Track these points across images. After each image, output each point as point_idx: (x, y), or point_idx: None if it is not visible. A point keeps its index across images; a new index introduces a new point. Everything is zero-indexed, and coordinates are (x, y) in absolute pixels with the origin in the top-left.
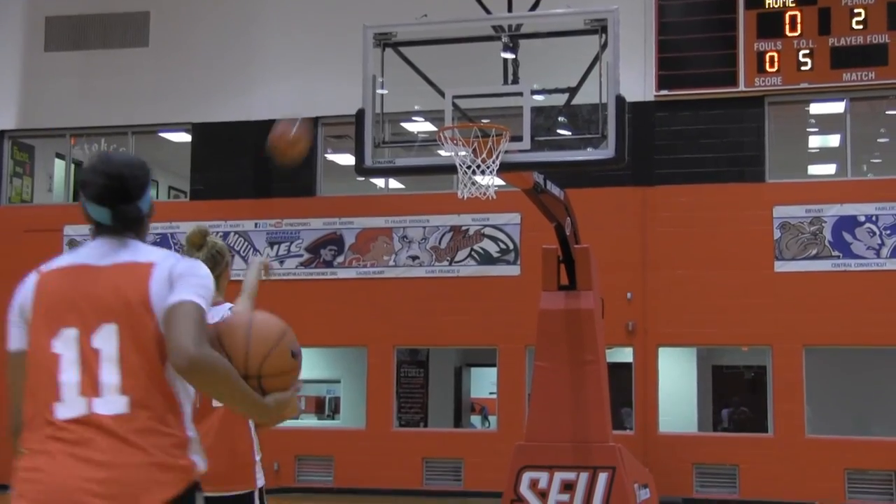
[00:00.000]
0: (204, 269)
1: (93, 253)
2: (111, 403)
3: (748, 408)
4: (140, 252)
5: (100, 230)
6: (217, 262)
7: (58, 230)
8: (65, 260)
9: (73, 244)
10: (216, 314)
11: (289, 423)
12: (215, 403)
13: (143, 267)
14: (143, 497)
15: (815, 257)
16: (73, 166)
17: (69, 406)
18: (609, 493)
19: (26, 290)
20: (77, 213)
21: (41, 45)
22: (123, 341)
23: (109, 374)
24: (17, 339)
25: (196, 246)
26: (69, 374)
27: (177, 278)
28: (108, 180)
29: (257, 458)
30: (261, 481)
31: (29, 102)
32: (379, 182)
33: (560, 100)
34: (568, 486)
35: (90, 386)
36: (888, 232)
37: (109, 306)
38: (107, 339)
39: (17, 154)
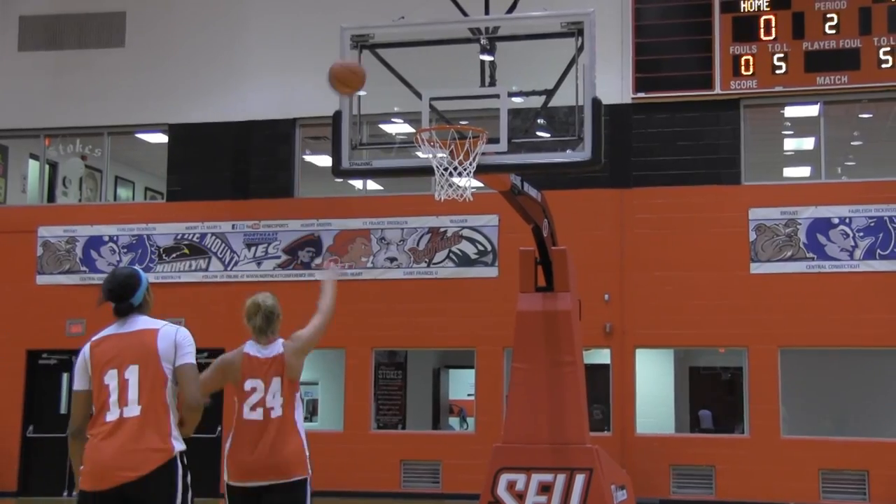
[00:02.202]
0: (190, 338)
1: (117, 327)
2: (132, 410)
3: (725, 409)
4: (146, 323)
5: (116, 313)
6: (271, 321)
7: (31, 231)
8: (102, 333)
9: (47, 246)
10: (273, 350)
11: None
12: (273, 414)
13: (151, 332)
14: (143, 465)
15: (790, 259)
16: (47, 167)
17: (112, 413)
18: (586, 494)
19: (84, 354)
20: (50, 215)
21: (15, 45)
22: (141, 375)
23: (133, 393)
24: (79, 383)
25: (249, 315)
26: (113, 396)
27: (179, 345)
28: (111, 288)
29: (307, 453)
30: (310, 470)
31: (2, 102)
32: (357, 184)
33: (537, 102)
34: (545, 488)
35: (122, 400)
36: (861, 234)
37: (134, 354)
38: (132, 373)
39: None
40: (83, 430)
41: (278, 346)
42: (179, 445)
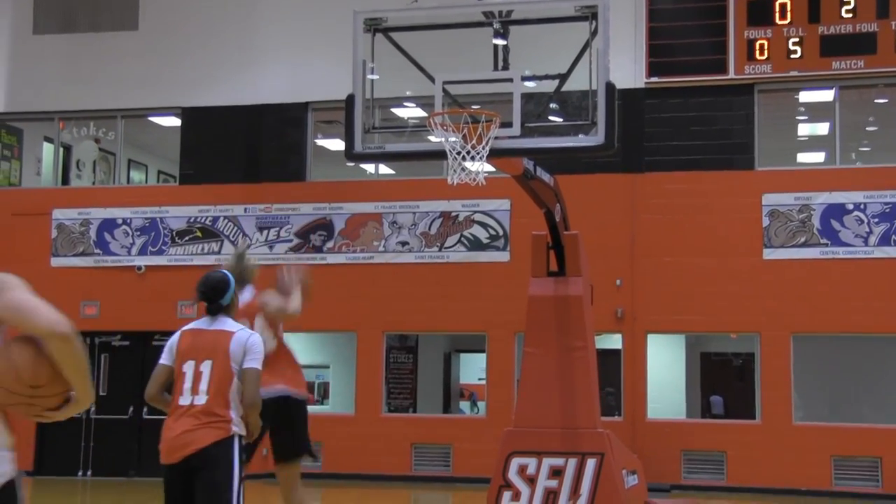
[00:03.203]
0: (260, 345)
1: (203, 323)
2: (201, 399)
3: (736, 395)
4: (227, 325)
5: (207, 312)
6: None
7: (46, 214)
8: (193, 325)
9: (62, 228)
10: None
11: None
12: (285, 350)
13: (228, 334)
14: (203, 439)
15: (804, 245)
16: (61, 150)
17: (184, 398)
18: (597, 479)
19: (175, 338)
20: (64, 197)
21: (29, 28)
22: (213, 369)
23: (203, 385)
24: (163, 359)
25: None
26: (187, 384)
27: (248, 350)
28: (204, 290)
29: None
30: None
31: (17, 85)
32: (369, 167)
33: (550, 86)
34: (556, 472)
35: (194, 389)
36: (876, 220)
37: (210, 351)
38: (206, 367)
39: (5, 137)
40: (154, 398)
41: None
42: (237, 429)
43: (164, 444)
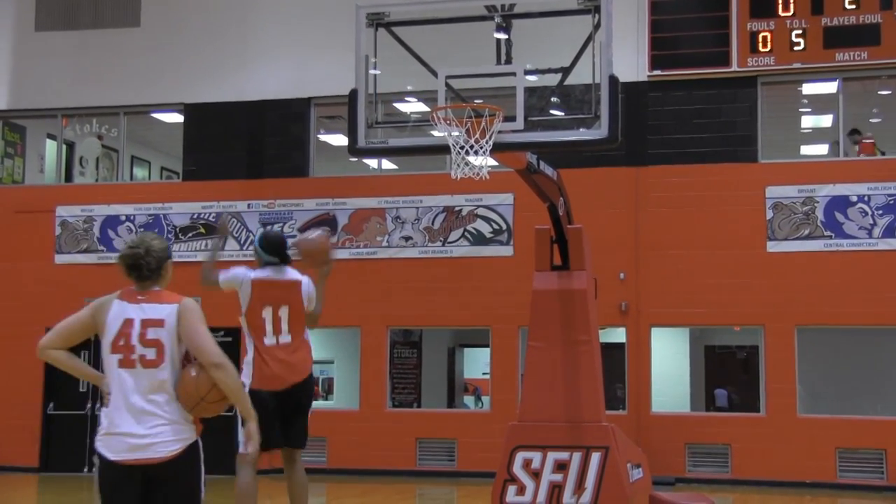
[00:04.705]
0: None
1: (273, 273)
2: (286, 338)
3: (740, 388)
4: (293, 274)
5: (269, 264)
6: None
7: (50, 211)
8: (262, 274)
9: (65, 225)
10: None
11: None
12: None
13: (297, 282)
14: (302, 372)
15: (808, 237)
16: (64, 147)
17: (269, 339)
18: (602, 472)
19: (248, 277)
20: (67, 194)
21: (32, 25)
22: (290, 313)
23: (285, 326)
24: (230, 274)
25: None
26: (268, 327)
27: (310, 294)
28: (272, 245)
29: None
30: None
31: (20, 83)
32: (372, 162)
33: (553, 80)
34: (561, 466)
35: (277, 330)
36: (880, 212)
37: (285, 297)
38: (284, 312)
39: (8, 135)
40: (206, 273)
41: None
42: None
43: (263, 377)
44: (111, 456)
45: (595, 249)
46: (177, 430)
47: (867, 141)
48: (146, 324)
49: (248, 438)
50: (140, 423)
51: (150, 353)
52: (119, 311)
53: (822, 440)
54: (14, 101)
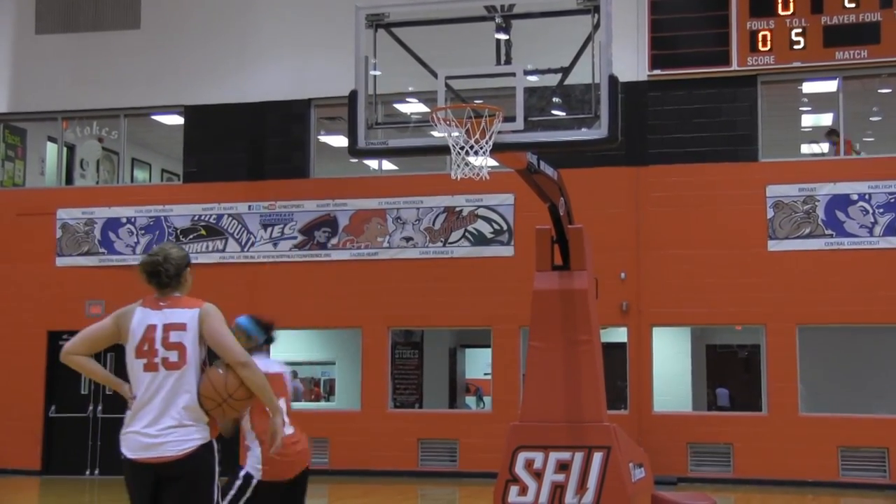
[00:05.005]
0: None
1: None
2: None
3: (742, 387)
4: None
5: (257, 349)
6: None
7: (50, 213)
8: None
9: (66, 228)
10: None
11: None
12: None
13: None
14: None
15: (809, 236)
16: (65, 149)
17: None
18: (604, 472)
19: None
20: (68, 197)
21: (32, 28)
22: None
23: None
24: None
25: None
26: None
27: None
28: (266, 325)
29: None
30: None
31: (21, 85)
32: (372, 163)
33: (553, 80)
34: (563, 466)
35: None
36: (881, 210)
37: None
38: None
39: (8, 137)
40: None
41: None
42: None
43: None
44: (128, 454)
45: (596, 249)
46: (190, 431)
47: (843, 141)
48: (168, 328)
49: (273, 434)
50: (156, 423)
51: (173, 356)
52: (142, 318)
53: (825, 439)
54: (14, 104)
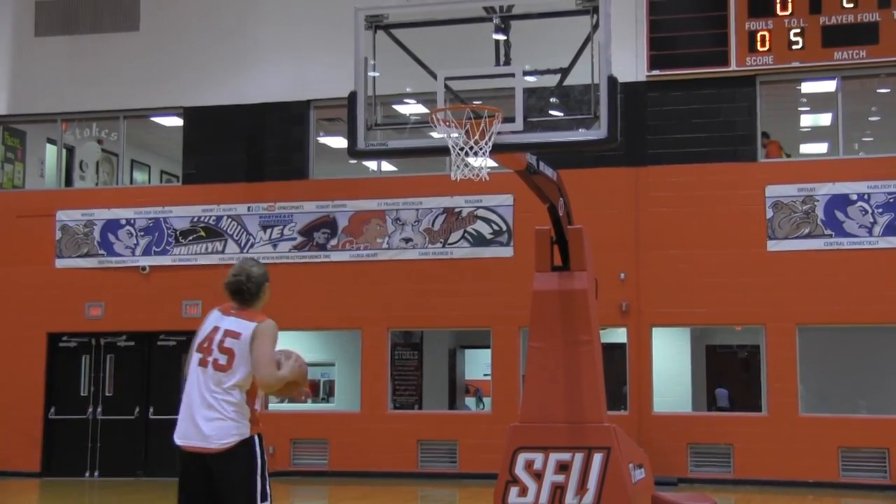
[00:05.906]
0: None
1: None
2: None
3: (741, 387)
4: None
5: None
6: None
7: (50, 215)
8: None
9: (66, 230)
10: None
11: (283, 407)
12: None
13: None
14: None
15: (808, 236)
16: (64, 151)
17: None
18: (604, 473)
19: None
20: (68, 199)
21: (31, 30)
22: None
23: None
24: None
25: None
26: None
27: None
28: None
29: None
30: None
31: (20, 87)
32: (371, 164)
33: (552, 81)
34: (563, 467)
35: None
36: (880, 210)
37: None
38: None
39: (8, 139)
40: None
41: None
42: None
43: None
44: (177, 440)
45: (595, 249)
46: (230, 427)
47: (773, 143)
48: (227, 333)
49: (287, 357)
50: (202, 415)
51: (222, 359)
52: (215, 319)
53: (825, 439)
54: (14, 106)
